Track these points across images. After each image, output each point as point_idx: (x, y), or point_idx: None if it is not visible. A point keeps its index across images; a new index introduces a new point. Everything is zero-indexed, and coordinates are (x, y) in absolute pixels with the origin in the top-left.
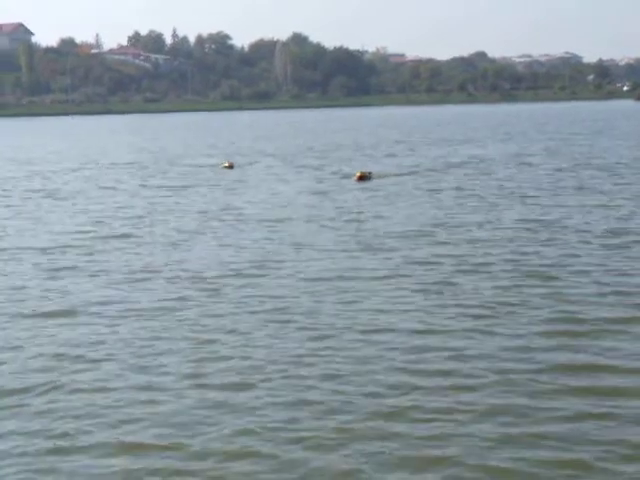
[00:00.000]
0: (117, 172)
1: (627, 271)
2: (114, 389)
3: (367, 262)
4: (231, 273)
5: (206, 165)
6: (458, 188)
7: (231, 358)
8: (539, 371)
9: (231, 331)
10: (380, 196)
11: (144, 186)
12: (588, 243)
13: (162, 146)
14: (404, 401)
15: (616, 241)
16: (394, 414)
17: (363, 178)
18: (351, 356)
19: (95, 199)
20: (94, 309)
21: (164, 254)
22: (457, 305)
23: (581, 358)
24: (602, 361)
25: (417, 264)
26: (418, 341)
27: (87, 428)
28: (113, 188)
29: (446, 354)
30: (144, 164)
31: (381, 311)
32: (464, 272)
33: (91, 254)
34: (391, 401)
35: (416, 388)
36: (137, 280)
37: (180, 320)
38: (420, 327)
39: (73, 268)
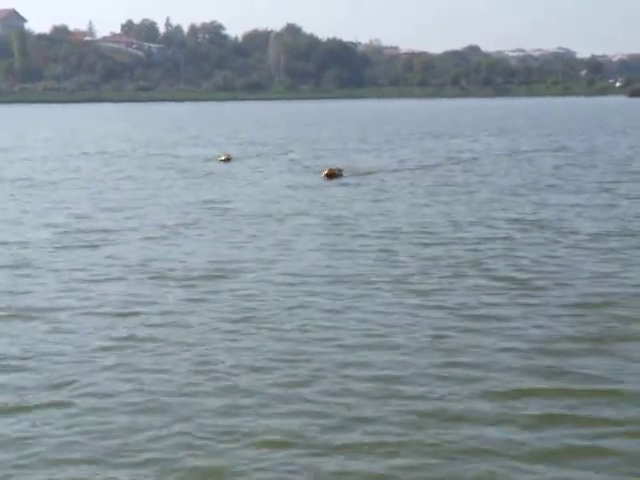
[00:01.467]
0: (102, 162)
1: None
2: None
3: (339, 262)
4: (205, 273)
5: (199, 157)
6: (437, 184)
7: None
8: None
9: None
10: (350, 194)
11: (129, 177)
12: (578, 247)
13: (154, 136)
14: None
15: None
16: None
17: (332, 176)
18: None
19: (73, 190)
20: (51, 309)
21: (139, 251)
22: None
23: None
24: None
25: (387, 266)
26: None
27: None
28: (95, 179)
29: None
30: (131, 154)
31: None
32: (445, 277)
33: (60, 249)
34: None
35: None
36: (108, 279)
37: (145, 324)
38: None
39: (38, 265)
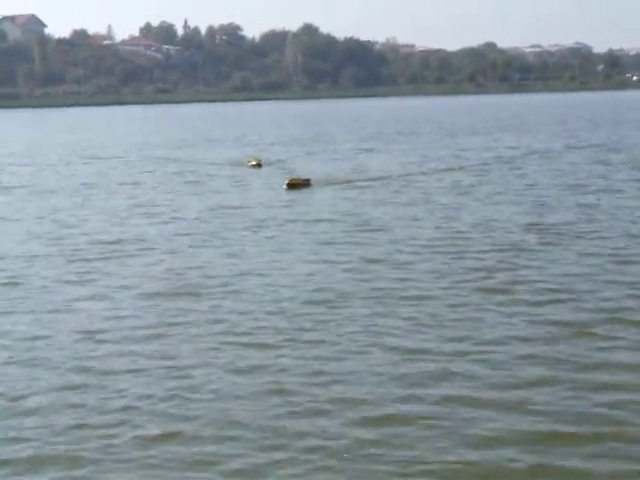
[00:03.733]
0: (116, 167)
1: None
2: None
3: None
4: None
5: (227, 161)
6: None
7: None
8: None
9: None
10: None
11: (155, 186)
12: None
13: (178, 139)
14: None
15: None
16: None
17: (295, 186)
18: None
19: (80, 198)
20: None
21: (130, 261)
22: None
23: None
24: None
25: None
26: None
27: None
28: (103, 185)
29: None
30: (153, 158)
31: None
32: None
33: (36, 261)
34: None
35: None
36: (103, 294)
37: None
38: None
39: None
